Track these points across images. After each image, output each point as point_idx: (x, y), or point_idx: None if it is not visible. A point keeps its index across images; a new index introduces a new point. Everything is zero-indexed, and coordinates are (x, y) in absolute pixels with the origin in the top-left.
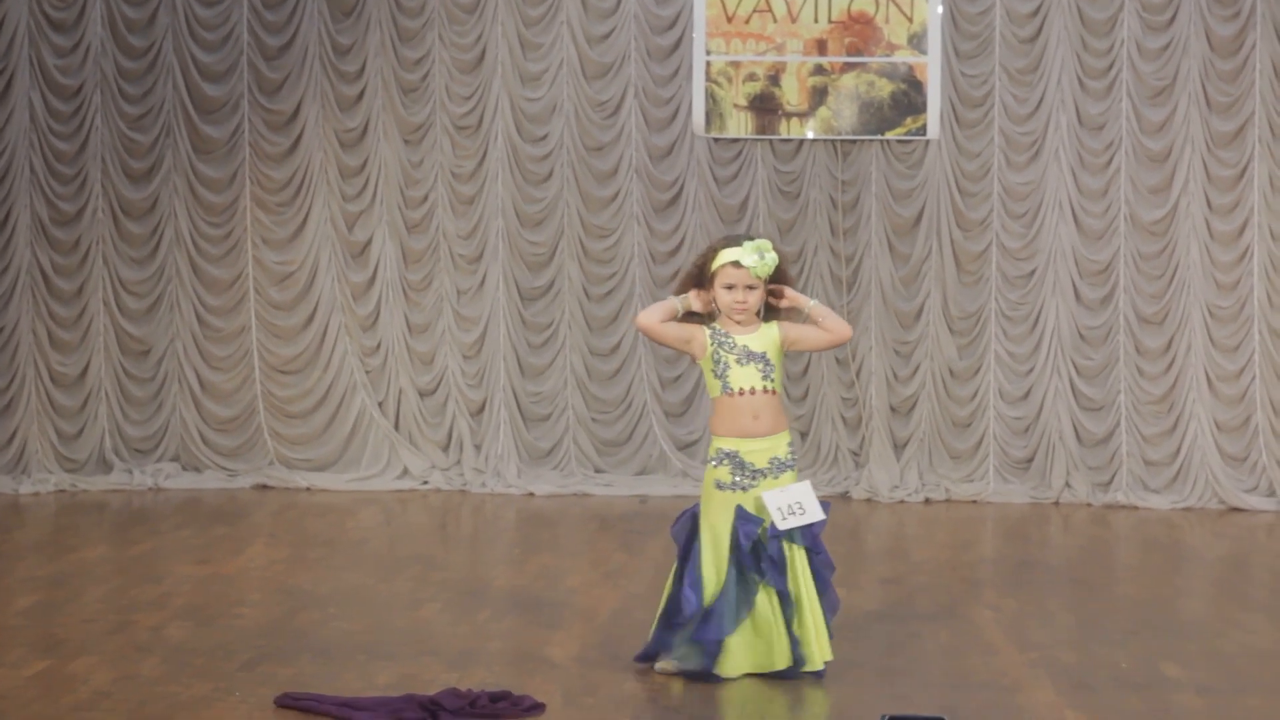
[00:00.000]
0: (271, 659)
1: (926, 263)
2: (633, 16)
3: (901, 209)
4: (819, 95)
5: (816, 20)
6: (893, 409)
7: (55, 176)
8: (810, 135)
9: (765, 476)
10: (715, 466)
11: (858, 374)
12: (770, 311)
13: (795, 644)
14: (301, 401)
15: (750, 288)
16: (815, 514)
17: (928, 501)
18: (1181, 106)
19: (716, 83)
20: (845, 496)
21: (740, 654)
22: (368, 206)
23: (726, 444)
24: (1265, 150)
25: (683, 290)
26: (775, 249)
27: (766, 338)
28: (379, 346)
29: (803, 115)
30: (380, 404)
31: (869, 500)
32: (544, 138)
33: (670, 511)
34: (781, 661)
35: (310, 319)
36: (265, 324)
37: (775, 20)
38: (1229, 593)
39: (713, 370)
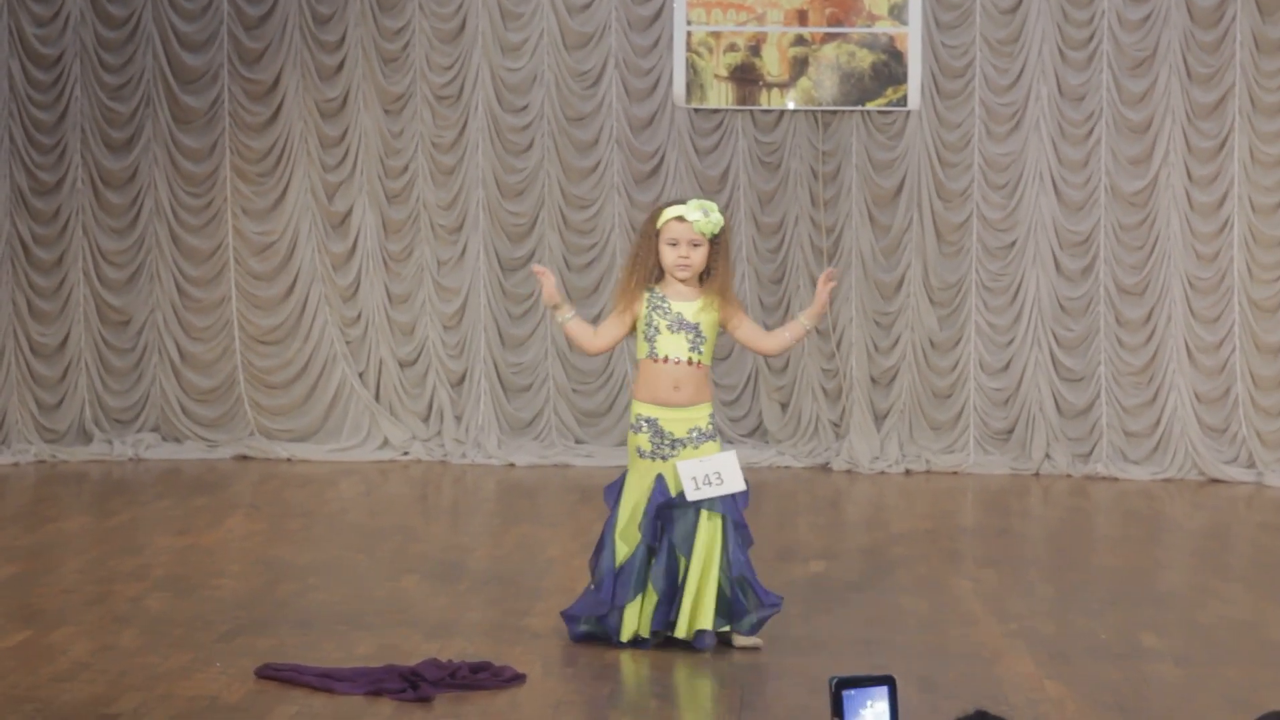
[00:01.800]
0: (251, 630)
1: (907, 234)
2: None
3: (882, 180)
4: (800, 66)
5: None
6: (873, 380)
7: (35, 146)
8: (791, 106)
9: (685, 446)
10: (635, 433)
11: (838, 345)
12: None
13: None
14: (282, 372)
15: (694, 244)
16: (735, 484)
17: (908, 473)
18: (1162, 78)
19: (697, 53)
20: (826, 468)
21: (634, 618)
22: (348, 177)
23: (646, 410)
24: (1245, 122)
25: (634, 261)
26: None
27: (702, 310)
28: (359, 317)
29: (783, 86)
30: (361, 375)
31: (849, 471)
32: (524, 108)
33: None
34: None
35: (290, 289)
36: (245, 294)
37: None
38: (1208, 564)
39: (643, 332)
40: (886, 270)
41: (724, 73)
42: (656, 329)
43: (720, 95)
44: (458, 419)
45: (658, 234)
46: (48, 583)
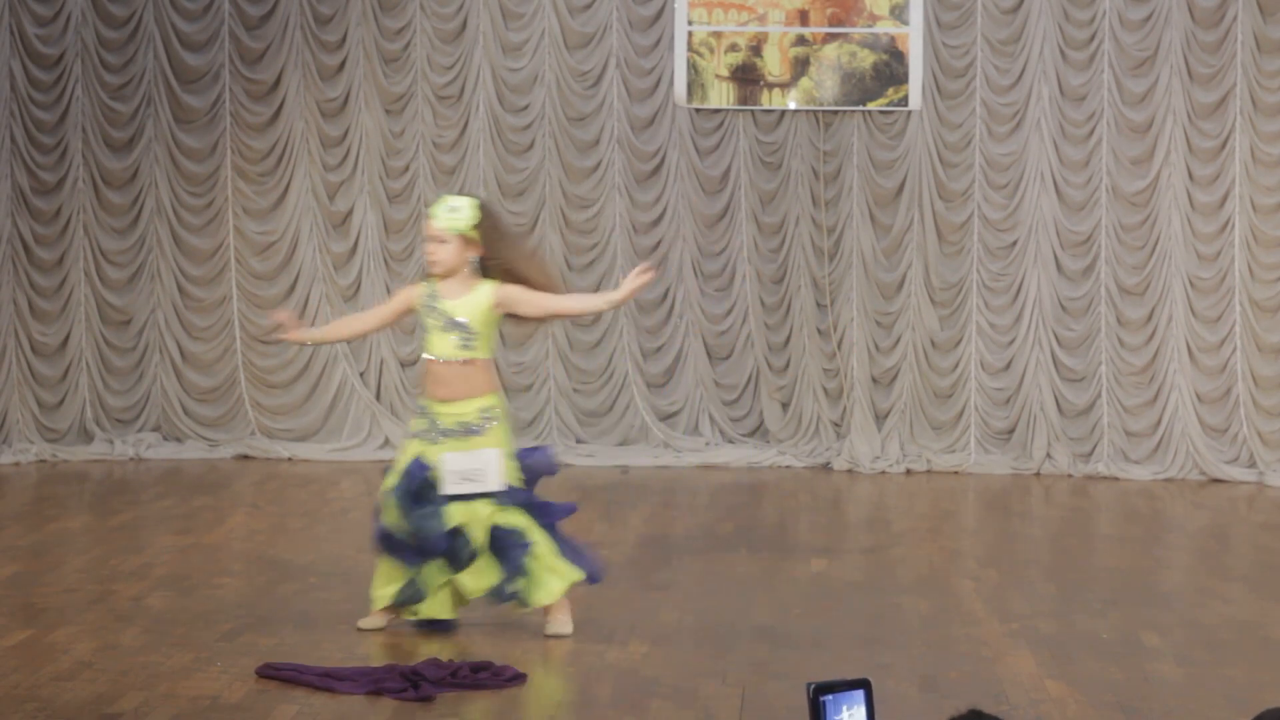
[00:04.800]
0: (253, 629)
1: (908, 234)
2: None
3: (883, 180)
4: (801, 66)
5: None
6: (874, 380)
7: (36, 146)
8: (792, 106)
9: (452, 437)
10: (418, 416)
11: (839, 345)
12: (492, 274)
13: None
14: (283, 371)
15: (440, 241)
16: (494, 483)
17: (909, 472)
18: (1163, 78)
19: (698, 53)
20: (827, 467)
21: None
22: (349, 176)
23: (422, 401)
24: (1247, 122)
25: None
26: (484, 208)
27: (474, 303)
28: None
29: (784, 86)
30: (362, 374)
31: (850, 471)
32: (525, 108)
33: (652, 482)
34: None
35: (291, 289)
36: (246, 294)
37: None
38: (1209, 563)
39: (419, 331)
40: (887, 270)
41: (725, 73)
42: (427, 329)
43: (721, 95)
44: None
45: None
46: (49, 582)
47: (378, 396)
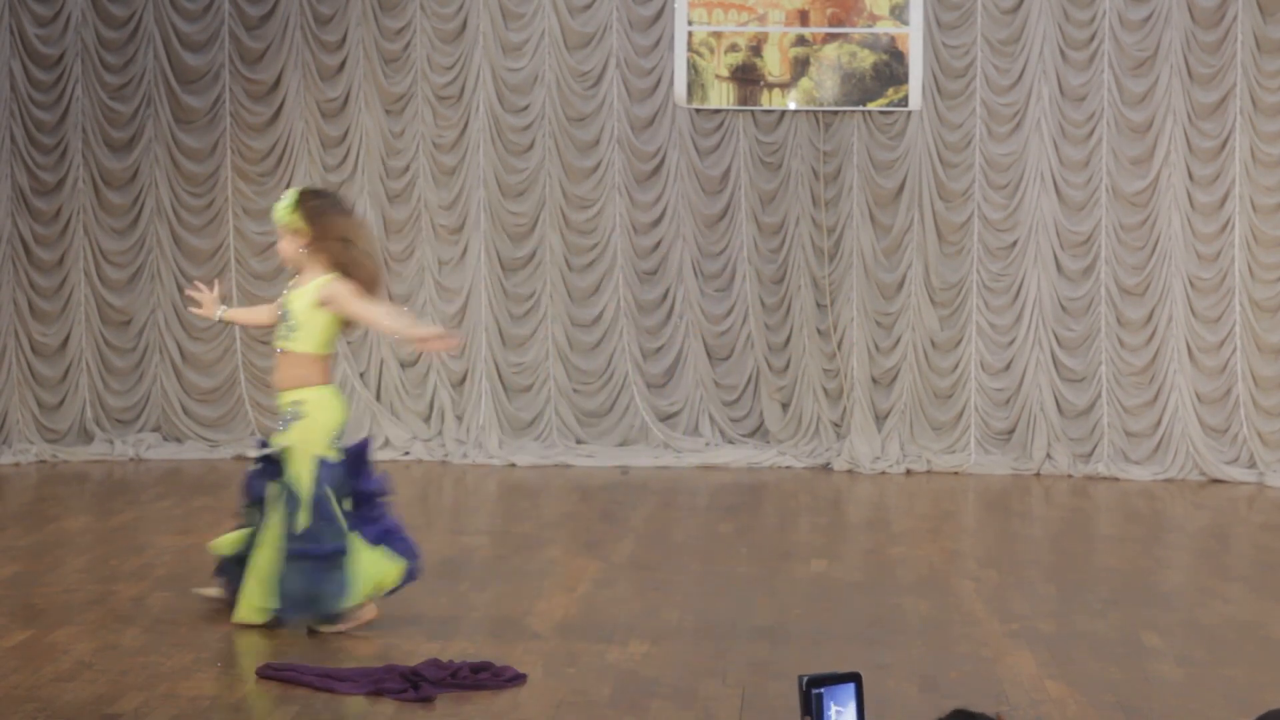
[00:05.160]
0: (251, 630)
1: (908, 234)
2: None
3: (883, 180)
4: (801, 66)
5: None
6: (874, 380)
7: (36, 146)
8: (792, 106)
9: (280, 427)
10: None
11: (839, 345)
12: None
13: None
14: None
15: (280, 236)
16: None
17: (909, 473)
18: (1163, 78)
19: (698, 53)
20: (827, 468)
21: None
22: (349, 176)
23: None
24: (1247, 122)
25: None
26: (302, 197)
27: (302, 296)
28: None
29: (784, 86)
30: (361, 374)
31: (850, 471)
32: (525, 108)
33: (652, 482)
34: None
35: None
36: (247, 295)
37: None
38: (1209, 564)
39: None
40: (887, 270)
41: (725, 73)
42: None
43: (721, 95)
44: (459, 419)
45: None
46: (49, 582)
47: (377, 397)
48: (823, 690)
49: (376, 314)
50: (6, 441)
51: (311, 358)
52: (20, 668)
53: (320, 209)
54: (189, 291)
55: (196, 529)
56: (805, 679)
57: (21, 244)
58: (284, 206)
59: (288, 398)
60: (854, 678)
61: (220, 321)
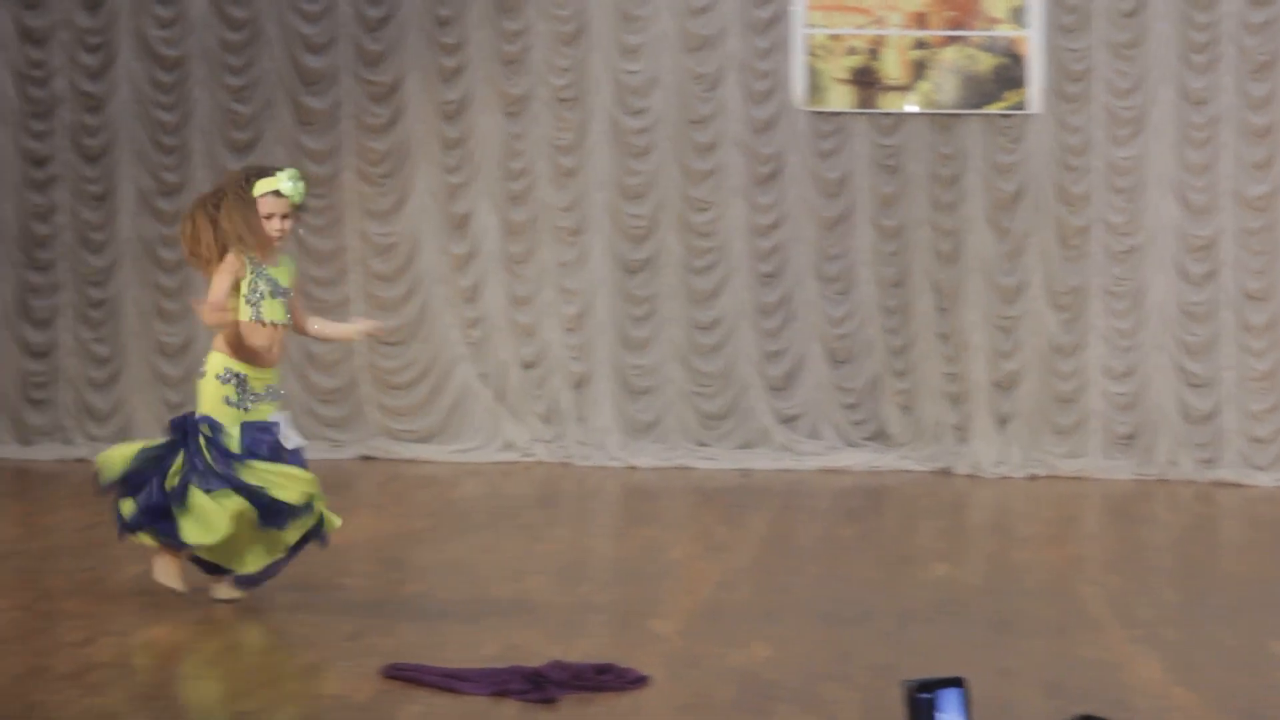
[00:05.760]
0: (376, 630)
1: (1029, 238)
2: None
3: (1003, 183)
4: (919, 69)
5: None
6: (996, 384)
7: (158, 148)
8: (911, 109)
9: (262, 401)
10: (223, 383)
11: (960, 349)
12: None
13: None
14: (404, 373)
15: (285, 216)
16: (295, 442)
17: (1031, 477)
18: None
19: (817, 56)
20: (948, 472)
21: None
22: (469, 179)
23: (237, 366)
24: None
25: (237, 233)
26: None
27: (289, 274)
28: (481, 319)
29: (903, 89)
30: (483, 376)
31: (972, 476)
32: (644, 110)
33: (774, 485)
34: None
35: (412, 291)
36: (367, 295)
37: None
38: None
39: (246, 296)
40: (1008, 274)
41: (844, 75)
42: (261, 294)
43: (840, 98)
44: (580, 421)
45: (253, 201)
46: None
47: (499, 399)
48: (929, 695)
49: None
50: (131, 440)
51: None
52: (149, 665)
53: None
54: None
55: None
56: (911, 684)
57: (145, 245)
58: (302, 190)
59: (277, 373)
60: (959, 682)
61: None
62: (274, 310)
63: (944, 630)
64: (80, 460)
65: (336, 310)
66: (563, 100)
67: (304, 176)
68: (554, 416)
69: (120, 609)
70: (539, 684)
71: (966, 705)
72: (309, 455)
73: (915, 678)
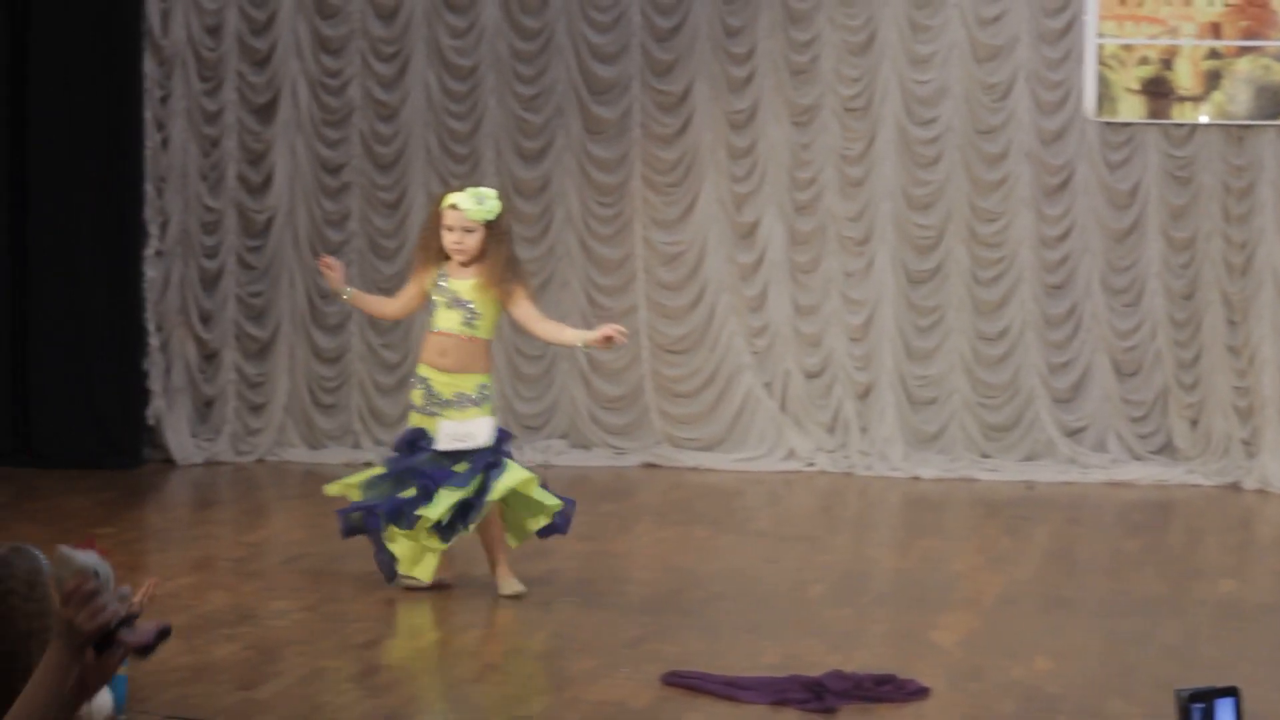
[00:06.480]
0: (657, 636)
1: None
2: None
3: None
4: (1213, 79)
5: (1211, 3)
6: None
7: (449, 155)
8: (1204, 120)
9: (451, 407)
10: (413, 389)
11: (1250, 362)
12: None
13: None
14: (689, 381)
15: (467, 230)
16: (480, 442)
17: None
18: None
19: (1108, 66)
20: (1236, 487)
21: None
22: (756, 188)
23: (422, 370)
24: None
25: (420, 244)
26: (500, 200)
27: (477, 288)
28: (766, 327)
29: (1196, 99)
30: (767, 385)
31: (1261, 491)
32: (933, 120)
33: (1059, 497)
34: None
35: (698, 299)
36: (653, 303)
37: (1169, 3)
38: None
39: (429, 306)
40: None
41: (1135, 86)
42: (436, 305)
43: (1131, 108)
44: (863, 431)
45: (440, 217)
46: (459, 585)
47: (783, 407)
48: (1202, 705)
49: (543, 326)
50: None
51: (489, 345)
52: (429, 668)
53: (508, 220)
54: (321, 263)
55: (603, 535)
56: (1184, 692)
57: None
58: (491, 208)
59: (474, 380)
60: (1234, 692)
61: (345, 299)
62: (446, 320)
63: (1231, 648)
64: (368, 464)
65: (623, 318)
66: (851, 110)
67: (499, 197)
68: (837, 426)
69: (405, 612)
70: (819, 694)
71: (1240, 716)
72: (598, 463)
73: (1189, 687)
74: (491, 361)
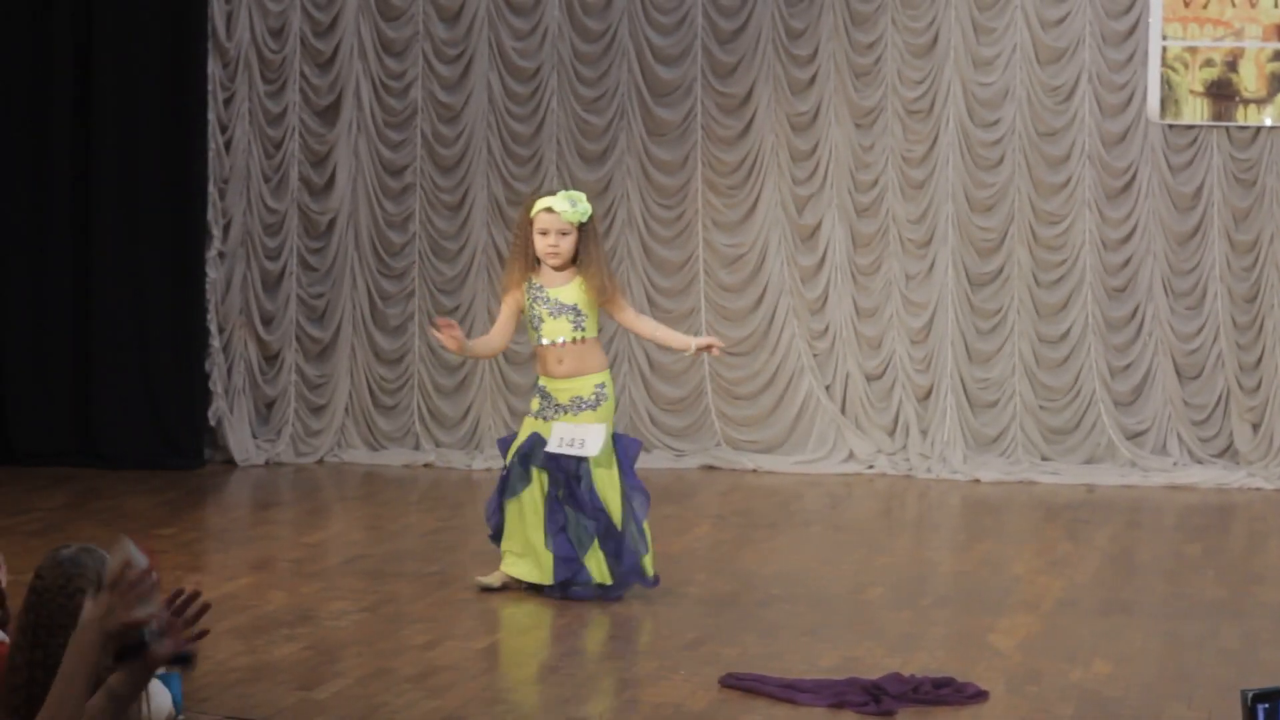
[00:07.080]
0: (716, 638)
1: None
2: (1088, 0)
3: None
4: (1278, 82)
5: (1277, 5)
6: None
7: (511, 157)
8: (1269, 122)
9: (566, 412)
10: (532, 397)
11: None
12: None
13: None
14: (749, 383)
15: (563, 233)
16: (590, 451)
17: None
18: None
19: (1172, 68)
20: None
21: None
22: (818, 190)
23: (540, 380)
24: None
25: (513, 256)
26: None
27: (578, 290)
28: (826, 330)
29: (1261, 102)
30: (827, 387)
31: None
32: (996, 123)
33: (1119, 501)
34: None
35: (759, 301)
36: (714, 306)
37: (1234, 5)
38: None
39: (529, 323)
40: None
41: (1200, 88)
42: (540, 318)
43: (1195, 111)
44: (923, 433)
45: (531, 224)
46: (514, 587)
47: (843, 410)
48: (1267, 704)
49: (644, 324)
50: (478, 447)
51: (599, 342)
52: (488, 669)
53: (597, 222)
54: (434, 330)
55: (661, 537)
56: (1250, 693)
57: (497, 254)
58: (584, 211)
59: (591, 380)
60: None
61: (466, 355)
62: (555, 329)
63: None
64: (428, 465)
65: (684, 321)
66: (913, 112)
67: (586, 201)
68: (897, 429)
69: (464, 613)
70: (877, 696)
71: None
72: (658, 465)
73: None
74: (605, 358)
